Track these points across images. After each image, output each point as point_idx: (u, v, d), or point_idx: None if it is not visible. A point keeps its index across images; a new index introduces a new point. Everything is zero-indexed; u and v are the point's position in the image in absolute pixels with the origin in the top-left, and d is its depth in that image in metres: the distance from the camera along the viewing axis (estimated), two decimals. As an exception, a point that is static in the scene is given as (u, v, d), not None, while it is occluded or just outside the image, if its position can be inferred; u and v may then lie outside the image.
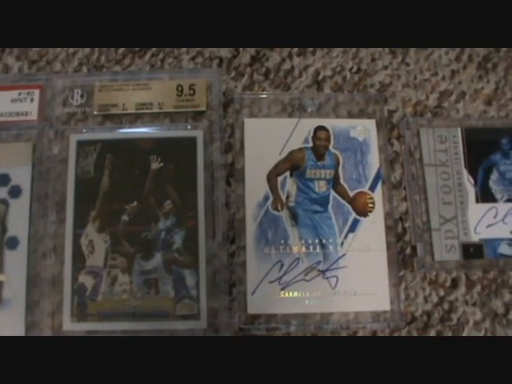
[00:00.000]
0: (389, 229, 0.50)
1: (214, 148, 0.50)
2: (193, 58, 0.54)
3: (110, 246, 0.48)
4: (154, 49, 0.54)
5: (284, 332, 0.48)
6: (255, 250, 0.48)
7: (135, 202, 0.49)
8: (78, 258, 0.47)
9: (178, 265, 0.48)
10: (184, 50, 0.54)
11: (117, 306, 0.47)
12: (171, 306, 0.47)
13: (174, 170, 0.50)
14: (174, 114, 0.52)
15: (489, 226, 0.51)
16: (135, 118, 0.52)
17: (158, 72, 0.53)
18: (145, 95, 0.52)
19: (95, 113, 0.51)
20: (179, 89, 0.52)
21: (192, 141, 0.51)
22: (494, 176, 0.53)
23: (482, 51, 0.58)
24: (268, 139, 0.51)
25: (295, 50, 0.55)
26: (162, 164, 0.50)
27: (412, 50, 0.56)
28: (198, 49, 0.54)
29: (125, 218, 0.49)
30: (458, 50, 0.57)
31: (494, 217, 0.52)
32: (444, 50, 0.57)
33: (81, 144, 0.50)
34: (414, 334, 0.50)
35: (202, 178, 0.50)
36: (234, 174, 0.50)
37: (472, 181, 0.52)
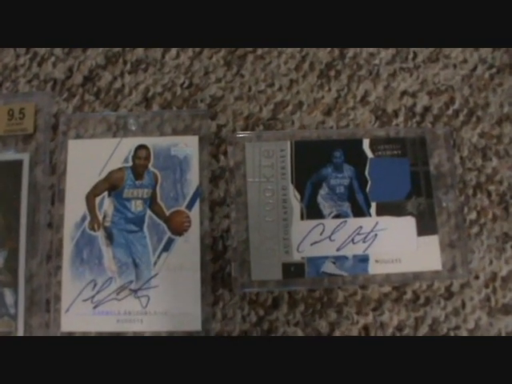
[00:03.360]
0: (206, 247, 0.52)
1: (39, 170, 0.54)
2: (29, 81, 0.57)
3: None
4: (-5, 73, 0.58)
5: (96, 351, 0.50)
6: (70, 269, 0.52)
7: (-39, 225, 0.53)
8: None
9: (-1, 284, 0.52)
10: (21, 73, 0.57)
11: None
12: (-10, 325, 0.51)
13: (0, 193, 0.53)
14: (6, 137, 0.55)
15: (314, 243, 0.52)
16: (-31, 143, 0.56)
17: (-7, 97, 0.57)
18: (-22, 121, 0.55)
19: None
20: (10, 113, 0.55)
21: (18, 163, 0.54)
22: (324, 191, 0.53)
23: (325, 58, 0.57)
24: (90, 160, 0.54)
25: (128, 67, 0.57)
26: (-12, 187, 0.53)
27: (249, 61, 0.57)
28: (34, 71, 0.57)
29: (-49, 239, 0.53)
30: (298, 58, 0.57)
31: (321, 234, 0.52)
32: (283, 58, 0.57)
33: None
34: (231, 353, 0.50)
35: (26, 199, 0.53)
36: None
37: (298, 196, 0.52)
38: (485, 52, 0.60)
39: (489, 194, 0.56)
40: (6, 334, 0.51)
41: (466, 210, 0.55)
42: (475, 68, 0.59)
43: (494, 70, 0.59)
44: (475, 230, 0.55)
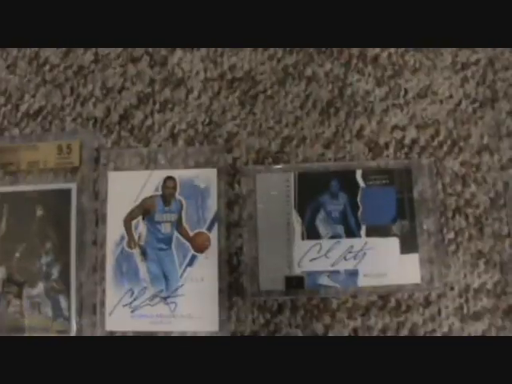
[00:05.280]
0: (223, 262, 0.64)
1: (84, 197, 0.66)
2: (74, 119, 0.69)
3: (5, 276, 0.66)
4: (44, 111, 0.70)
5: (135, 346, 0.64)
6: (112, 279, 0.65)
7: (24, 243, 0.66)
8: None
9: (55, 291, 0.65)
10: (67, 112, 0.69)
11: (9, 323, 0.65)
12: (49, 323, 0.65)
13: (54, 216, 0.66)
14: (56, 169, 0.68)
15: (312, 260, 0.63)
16: (27, 174, 0.68)
17: (45, 134, 0.69)
18: (33, 155, 0.68)
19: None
20: (59, 148, 0.68)
21: (67, 192, 0.67)
22: (321, 215, 0.64)
23: (325, 96, 0.67)
24: (127, 188, 0.66)
25: (157, 107, 0.69)
26: (44, 211, 0.67)
27: (260, 100, 0.68)
28: (78, 111, 0.69)
29: (17, 254, 0.66)
30: (303, 96, 0.68)
31: (318, 252, 0.63)
32: (290, 97, 0.68)
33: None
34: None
35: (75, 222, 0.66)
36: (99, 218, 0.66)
37: (300, 220, 0.64)
38: (469, 88, 0.69)
39: (466, 217, 0.66)
40: (63, 333, 0.65)
41: (445, 230, 0.65)
42: (460, 103, 0.69)
43: (476, 105, 0.69)
44: (453, 247, 0.65)
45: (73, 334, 0.65)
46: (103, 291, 0.65)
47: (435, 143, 0.68)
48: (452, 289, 0.65)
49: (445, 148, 0.68)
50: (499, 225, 0.66)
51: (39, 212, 0.68)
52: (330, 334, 0.64)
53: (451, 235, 0.66)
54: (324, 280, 0.64)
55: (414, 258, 0.64)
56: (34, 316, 0.66)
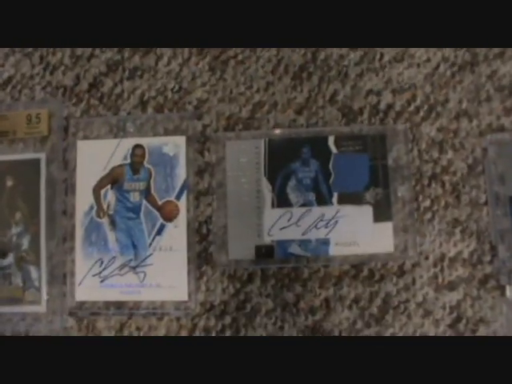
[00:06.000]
0: (192, 231, 0.63)
1: (54, 167, 0.66)
2: (43, 88, 0.69)
3: (-24, 247, 0.66)
4: (14, 81, 0.69)
5: (105, 315, 0.64)
6: (81, 249, 0.64)
7: (-6, 213, 0.66)
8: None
9: (25, 262, 0.65)
10: (37, 81, 0.69)
11: (-20, 294, 0.65)
12: (20, 294, 0.65)
13: (23, 186, 0.66)
14: (26, 139, 0.67)
15: (282, 228, 0.62)
16: (-4, 144, 0.68)
17: (14, 104, 0.68)
18: (3, 124, 0.68)
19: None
20: (28, 118, 0.67)
21: (37, 161, 0.66)
22: (292, 183, 0.63)
23: (298, 61, 0.66)
24: (95, 158, 0.65)
25: (126, 74, 0.67)
26: (13, 181, 0.66)
27: (230, 66, 0.66)
28: (48, 79, 0.68)
29: (-13, 225, 0.66)
30: (274, 61, 0.66)
31: (289, 220, 0.62)
32: (261, 62, 0.66)
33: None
34: (212, 320, 0.63)
35: (44, 192, 0.66)
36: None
37: (270, 188, 0.63)
38: (448, 51, 0.67)
39: (443, 184, 0.64)
40: (34, 303, 0.65)
41: (420, 198, 0.64)
42: (438, 66, 0.67)
43: (455, 68, 0.66)
44: (428, 216, 0.64)
45: (43, 304, 0.65)
46: (73, 261, 0.65)
47: (412, 108, 0.66)
48: (427, 258, 0.63)
49: (421, 113, 0.66)
50: (477, 192, 0.64)
51: (9, 183, 0.68)
52: (301, 305, 0.63)
53: (427, 203, 0.64)
54: (295, 249, 0.63)
55: (387, 227, 0.63)
56: (5, 287, 0.66)
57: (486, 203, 0.64)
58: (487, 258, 0.63)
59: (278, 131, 0.65)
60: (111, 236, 0.65)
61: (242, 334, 0.63)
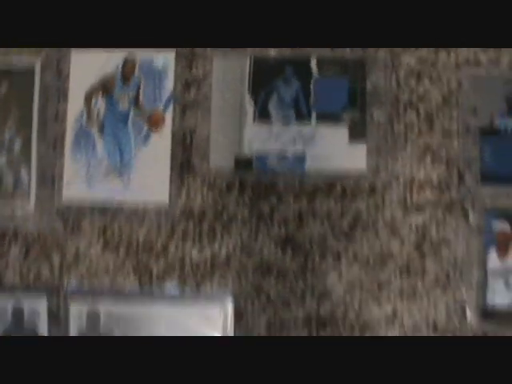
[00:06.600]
0: (176, 141, 0.66)
1: (48, 74, 0.69)
2: None
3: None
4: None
5: (89, 217, 0.67)
6: (71, 153, 0.68)
7: (-11, 118, 0.70)
8: None
9: (16, 164, 0.68)
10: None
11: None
12: (10, 195, 0.68)
13: (17, 93, 0.69)
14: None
15: (262, 142, 0.66)
16: None
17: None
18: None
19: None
20: (26, 26, 0.70)
21: (31, 69, 0.69)
22: (274, 100, 0.66)
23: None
24: (88, 67, 0.68)
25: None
26: (7, 89, 0.69)
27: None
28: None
29: (-18, 128, 0.70)
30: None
31: (268, 135, 0.66)
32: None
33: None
34: (191, 226, 0.66)
35: (38, 98, 0.69)
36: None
37: (252, 103, 0.66)
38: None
39: (418, 111, 0.68)
40: (23, 203, 0.68)
41: (395, 123, 0.67)
42: None
43: None
44: (401, 140, 0.67)
45: (32, 204, 0.69)
46: (62, 165, 0.69)
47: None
48: (397, 180, 0.67)
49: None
50: (449, 122, 0.68)
51: (3, 89, 0.71)
52: (275, 216, 0.67)
53: (401, 128, 0.67)
54: (272, 163, 0.66)
55: (361, 148, 0.66)
56: (-4, 187, 0.70)
57: (457, 133, 0.67)
58: (454, 184, 0.67)
59: (263, 50, 0.68)
60: (99, 142, 0.68)
61: (218, 241, 0.67)
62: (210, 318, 0.65)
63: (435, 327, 0.65)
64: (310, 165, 0.66)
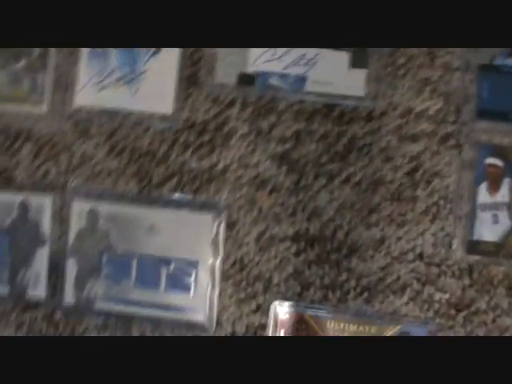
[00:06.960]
0: (185, 55, 0.70)
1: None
2: None
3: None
4: None
5: (98, 121, 0.71)
6: (86, 61, 0.72)
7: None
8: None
9: (34, 68, 0.73)
10: None
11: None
12: (26, 95, 0.73)
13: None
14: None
15: (266, 61, 0.69)
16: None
17: None
18: None
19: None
20: None
21: None
22: (282, 22, 0.69)
23: None
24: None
25: None
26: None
27: None
28: None
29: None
30: None
31: (273, 54, 0.69)
32: None
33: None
34: (192, 136, 0.70)
35: (60, 8, 0.73)
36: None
37: (261, 24, 0.69)
38: None
39: (420, 45, 0.70)
40: (37, 104, 0.72)
41: (398, 54, 0.69)
42: None
43: None
44: (402, 71, 0.69)
45: (45, 106, 0.73)
46: (76, 71, 0.73)
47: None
48: (395, 109, 0.69)
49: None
50: (451, 57, 0.69)
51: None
52: (274, 133, 0.69)
53: (402, 60, 0.70)
54: (274, 81, 0.69)
55: (361, 73, 0.69)
56: (14, 89, 0.74)
57: (457, 68, 0.69)
58: (451, 118, 0.69)
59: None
60: (113, 51, 0.72)
61: (217, 153, 0.70)
62: (203, 225, 0.68)
63: (421, 256, 0.67)
64: (311, 85, 0.69)
